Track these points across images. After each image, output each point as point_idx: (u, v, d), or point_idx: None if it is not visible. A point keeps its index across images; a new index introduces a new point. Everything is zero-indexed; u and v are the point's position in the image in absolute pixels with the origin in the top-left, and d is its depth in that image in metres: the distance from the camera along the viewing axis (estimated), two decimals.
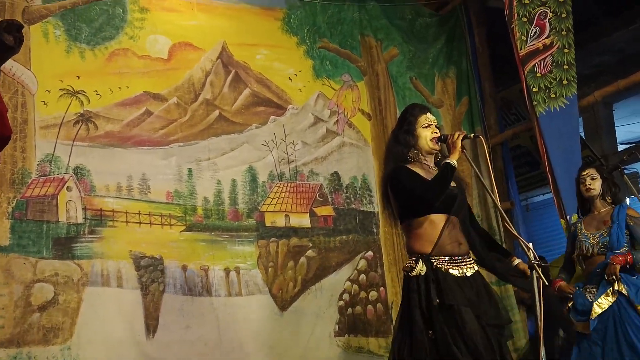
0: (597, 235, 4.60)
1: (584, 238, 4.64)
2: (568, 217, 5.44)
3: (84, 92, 4.90)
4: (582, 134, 7.76)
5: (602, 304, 4.42)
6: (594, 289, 4.52)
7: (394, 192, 3.78)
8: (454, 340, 3.42)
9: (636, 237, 4.59)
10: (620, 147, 8.61)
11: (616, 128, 8.52)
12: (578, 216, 4.88)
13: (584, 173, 4.74)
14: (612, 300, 4.41)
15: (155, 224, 4.95)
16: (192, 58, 5.42)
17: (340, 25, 6.19)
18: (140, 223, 4.90)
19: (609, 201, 4.72)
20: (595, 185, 4.69)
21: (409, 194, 3.70)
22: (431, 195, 3.62)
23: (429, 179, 3.68)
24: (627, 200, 7.98)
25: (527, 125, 6.67)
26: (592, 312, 4.43)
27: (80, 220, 4.70)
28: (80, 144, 4.82)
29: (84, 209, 4.73)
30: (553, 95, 5.86)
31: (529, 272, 3.70)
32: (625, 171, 4.95)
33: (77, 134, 4.82)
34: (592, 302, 4.46)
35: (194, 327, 4.85)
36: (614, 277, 4.43)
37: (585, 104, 6.14)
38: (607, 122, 8.35)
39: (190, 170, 5.17)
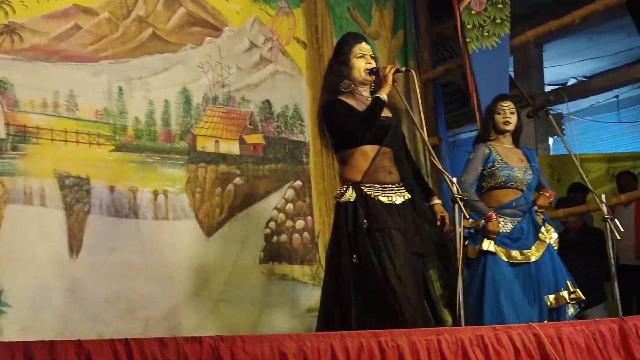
0: (523, 171, 4.63)
1: (509, 168, 4.60)
2: None
3: (9, 2, 4.66)
4: (512, 73, 7.89)
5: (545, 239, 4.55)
6: (518, 220, 4.58)
7: (327, 125, 3.86)
8: (381, 262, 3.54)
9: (543, 182, 4.76)
10: (547, 88, 8.81)
11: (545, 69, 8.70)
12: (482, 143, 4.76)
13: (504, 104, 4.69)
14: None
15: (82, 142, 4.83)
16: None
17: None
18: (66, 141, 4.78)
19: (512, 139, 4.75)
20: (513, 120, 4.68)
21: (340, 126, 3.77)
22: (360, 128, 3.71)
23: (362, 110, 3.73)
24: (550, 140, 8.27)
25: (458, 62, 6.74)
26: (537, 248, 4.50)
27: (2, 135, 4.54)
28: (4, 56, 4.60)
29: (7, 124, 4.57)
30: (486, 34, 5.93)
31: (439, 215, 3.86)
32: (551, 112, 5.03)
33: (0, 46, 4.62)
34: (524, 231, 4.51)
35: (118, 249, 4.82)
36: (544, 209, 4.58)
37: (517, 43, 6.23)
38: (536, 63, 8.52)
39: (120, 88, 5.04)
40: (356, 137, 3.73)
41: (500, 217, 4.53)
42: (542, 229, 4.55)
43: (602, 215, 4.47)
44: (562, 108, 8.38)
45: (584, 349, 3.70)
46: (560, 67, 9.21)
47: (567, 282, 4.52)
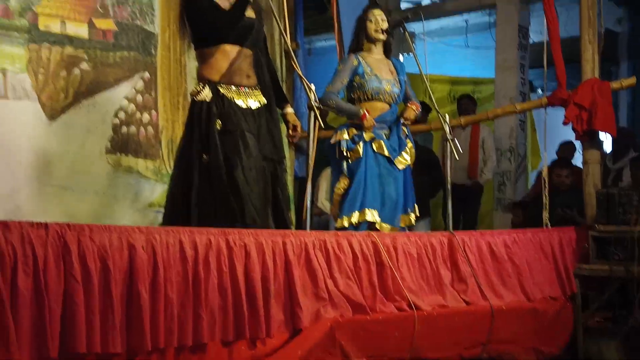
0: (391, 84, 4.66)
1: (378, 81, 4.61)
2: None
3: None
4: None
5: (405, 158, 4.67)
6: (385, 132, 4.64)
7: (188, 19, 3.78)
8: (229, 164, 3.56)
9: (410, 95, 4.86)
10: (403, 6, 8.97)
11: None
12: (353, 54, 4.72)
13: (376, 12, 4.66)
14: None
15: None
16: None
17: None
18: None
19: (382, 50, 4.77)
20: (385, 27, 4.64)
21: (202, 22, 3.71)
22: (223, 26, 3.66)
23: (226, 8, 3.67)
24: (401, 57, 8.47)
25: None
26: (401, 161, 4.63)
27: None
28: None
29: None
30: None
31: (292, 124, 3.92)
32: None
33: None
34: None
35: None
36: (409, 122, 4.71)
37: None
38: None
39: None
40: (217, 34, 3.67)
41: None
42: (407, 147, 4.70)
43: (442, 135, 4.70)
44: (414, 27, 8.58)
45: (415, 258, 3.97)
46: None
47: (415, 205, 4.75)
